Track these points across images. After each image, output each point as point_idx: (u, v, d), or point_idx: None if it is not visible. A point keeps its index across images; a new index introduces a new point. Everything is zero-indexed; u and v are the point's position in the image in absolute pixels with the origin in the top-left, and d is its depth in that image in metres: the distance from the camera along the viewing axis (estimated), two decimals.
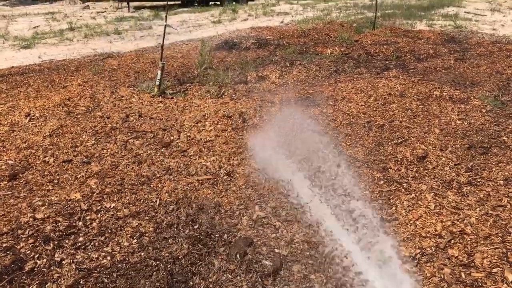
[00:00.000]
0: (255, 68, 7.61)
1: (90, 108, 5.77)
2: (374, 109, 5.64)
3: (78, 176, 4.08)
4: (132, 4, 21.93)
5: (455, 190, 3.93)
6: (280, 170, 4.16)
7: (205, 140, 4.77)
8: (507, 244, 3.22)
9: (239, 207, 3.70)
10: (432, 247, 3.23)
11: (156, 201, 3.69)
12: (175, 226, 3.40)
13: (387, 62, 8.15)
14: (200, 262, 3.04)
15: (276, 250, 3.21)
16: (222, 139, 4.77)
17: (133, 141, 4.76)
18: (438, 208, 3.67)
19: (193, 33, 12.37)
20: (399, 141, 4.78)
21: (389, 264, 3.10)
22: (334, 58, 8.26)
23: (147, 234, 3.27)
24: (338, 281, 2.93)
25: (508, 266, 3.02)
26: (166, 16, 6.99)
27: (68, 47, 10.68)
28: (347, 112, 5.60)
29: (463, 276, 2.97)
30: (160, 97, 6.22)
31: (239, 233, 3.36)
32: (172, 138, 4.84)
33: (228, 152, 4.51)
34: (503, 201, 3.72)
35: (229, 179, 4.10)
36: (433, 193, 3.85)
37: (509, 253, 3.13)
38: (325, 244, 3.26)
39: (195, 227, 3.40)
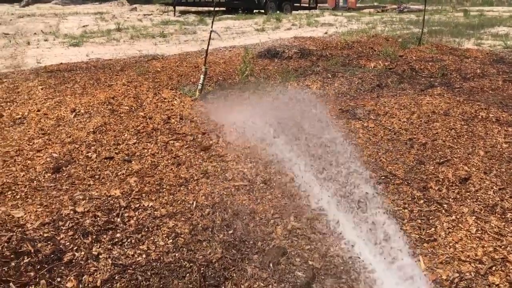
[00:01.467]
0: (296, 78, 7.60)
1: (133, 108, 5.89)
2: (417, 126, 5.52)
3: (119, 173, 4.16)
4: (178, 8, 22.40)
5: (499, 215, 3.79)
6: (312, 182, 4.13)
7: (243, 146, 4.78)
8: None
9: (274, 215, 3.69)
10: (472, 272, 3.12)
11: (193, 203, 3.73)
12: (210, 229, 3.42)
13: (432, 79, 7.98)
14: (233, 268, 3.04)
15: (310, 262, 3.18)
16: (261, 146, 4.78)
17: (173, 143, 4.83)
18: (479, 232, 3.55)
19: (236, 40, 12.51)
20: (441, 161, 4.66)
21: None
22: (377, 72, 8.15)
23: (182, 235, 3.30)
24: None
25: None
26: (212, 22, 7.10)
27: (114, 47, 10.99)
28: (389, 127, 5.51)
29: None
30: (202, 101, 6.29)
31: (273, 242, 3.34)
32: (211, 142, 4.89)
33: (265, 160, 4.52)
34: None
35: (265, 187, 4.10)
36: (475, 217, 3.73)
37: None
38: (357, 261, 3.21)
39: (230, 232, 3.41)
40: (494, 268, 3.16)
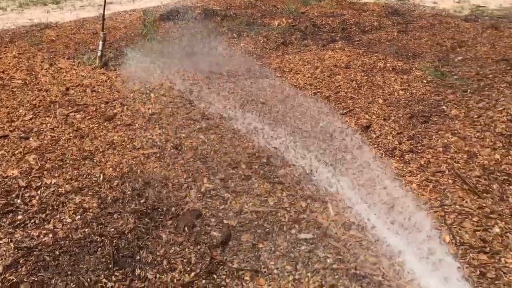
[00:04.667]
0: (201, 39, 7.44)
1: (27, 81, 5.45)
2: (321, 80, 5.69)
3: (16, 152, 3.87)
4: None
5: (398, 158, 4.06)
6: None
7: (150, 113, 4.64)
8: (445, 207, 3.39)
9: (187, 180, 3.65)
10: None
11: (100, 176, 3.58)
12: (120, 201, 3.32)
13: (333, 34, 8.21)
14: (147, 236, 2.99)
15: (225, 221, 3.21)
16: (169, 111, 4.66)
17: (74, 115, 4.57)
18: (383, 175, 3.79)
19: (137, 2, 11.90)
20: (344, 111, 4.87)
21: None
22: (282, 30, 8.22)
23: (91, 210, 3.17)
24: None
25: (446, 228, 3.18)
26: None
27: (1, 17, 9.99)
28: (295, 84, 5.62)
29: None
30: (102, 69, 5.97)
31: (187, 205, 3.33)
32: (115, 111, 4.68)
33: (174, 124, 4.43)
34: (442, 167, 3.90)
35: (176, 152, 4.03)
36: (377, 161, 3.97)
37: (446, 216, 3.29)
38: None
39: (142, 201, 3.34)
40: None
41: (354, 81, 5.65)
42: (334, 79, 5.73)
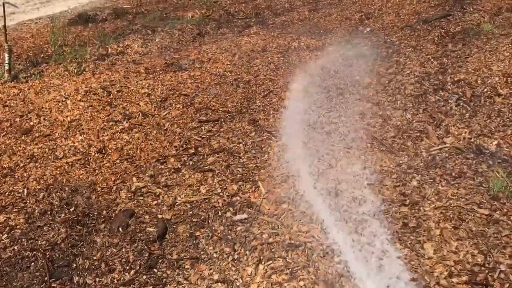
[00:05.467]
0: (115, 39, 7.27)
1: None
2: (240, 66, 5.77)
3: None
4: None
5: (319, 130, 4.25)
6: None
7: (69, 120, 4.51)
8: (366, 169, 3.60)
9: (116, 181, 3.62)
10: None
11: (23, 191, 3.46)
12: (49, 212, 3.23)
13: (247, 20, 8.31)
14: (81, 243, 2.95)
15: (160, 216, 3.23)
16: (88, 116, 4.55)
17: None
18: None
19: (42, 10, 11.34)
20: (265, 93, 4.99)
21: None
22: (196, 21, 8.20)
23: (18, 227, 3.07)
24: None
25: (369, 188, 3.39)
26: None
27: None
28: (215, 72, 5.66)
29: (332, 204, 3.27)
30: (13, 82, 5.68)
31: (119, 206, 3.30)
32: (32, 123, 4.50)
33: (96, 129, 4.34)
34: (359, 133, 4.12)
35: (101, 156, 3.97)
36: (303, 141, 4.13)
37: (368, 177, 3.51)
38: None
39: (71, 209, 3.27)
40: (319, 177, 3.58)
41: (272, 63, 5.79)
42: (253, 63, 5.83)
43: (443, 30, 6.10)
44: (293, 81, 5.25)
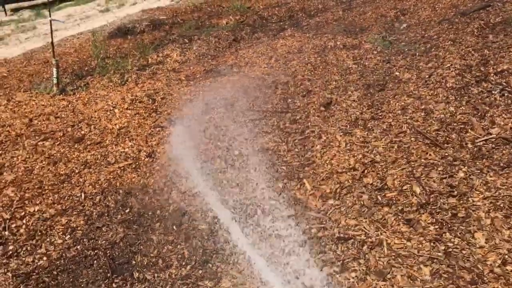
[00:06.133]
0: (154, 50, 7.52)
1: None
2: (277, 68, 5.87)
3: None
4: (8, 6, 20.27)
5: (361, 127, 4.27)
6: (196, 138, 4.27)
7: (118, 127, 4.71)
8: (412, 163, 3.61)
9: (166, 183, 3.76)
10: (349, 180, 3.54)
11: (81, 195, 3.65)
12: (106, 214, 3.40)
13: (281, 23, 8.42)
14: (139, 241, 3.09)
15: (210, 214, 3.34)
16: (136, 123, 4.75)
17: (43, 143, 4.59)
18: (349, 145, 3.98)
19: (82, 25, 11.82)
20: (304, 93, 5.05)
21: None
22: (231, 28, 8.37)
23: (79, 228, 3.25)
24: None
25: (415, 181, 3.40)
26: (49, 11, 6.66)
27: None
28: (253, 76, 5.77)
29: (379, 198, 3.30)
30: (61, 95, 5.98)
31: (171, 206, 3.44)
32: (83, 132, 4.73)
33: (144, 134, 4.52)
34: (403, 128, 4.12)
35: (151, 160, 4.13)
36: (341, 133, 4.17)
37: (414, 170, 3.51)
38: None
39: (126, 211, 3.43)
40: (365, 171, 3.61)
41: (309, 64, 5.85)
42: (290, 64, 5.91)
43: (482, 22, 6.00)
44: (332, 80, 5.29)
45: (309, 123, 4.46)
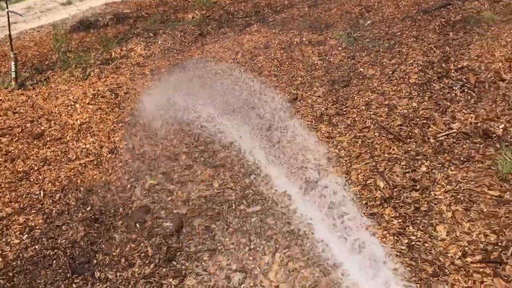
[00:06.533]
0: (118, 44, 7.34)
1: None
2: (243, 64, 5.83)
3: None
4: None
5: (326, 122, 4.29)
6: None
7: (79, 123, 4.58)
8: (375, 158, 3.65)
9: (130, 180, 3.68)
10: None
11: (40, 193, 3.52)
12: (66, 212, 3.30)
13: (247, 18, 8.37)
14: (100, 240, 3.01)
15: (175, 211, 3.28)
16: (98, 118, 4.62)
17: (0, 140, 4.41)
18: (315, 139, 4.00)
19: (43, 18, 11.42)
20: (271, 88, 5.04)
21: None
22: (197, 22, 8.27)
23: (37, 227, 3.14)
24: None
25: (379, 176, 3.43)
26: (6, 2, 6.40)
27: None
28: (218, 71, 5.71)
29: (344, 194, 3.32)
30: (20, 89, 5.76)
31: (134, 204, 3.36)
32: (43, 128, 4.57)
33: (106, 130, 4.40)
34: (367, 123, 4.17)
35: (113, 156, 4.03)
36: (303, 129, 4.18)
37: (378, 165, 3.55)
38: None
39: (88, 208, 3.34)
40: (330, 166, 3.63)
41: (275, 59, 5.84)
42: (256, 60, 5.88)
43: (443, 20, 6.14)
44: (298, 76, 5.30)
45: (274, 118, 4.45)
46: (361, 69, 5.28)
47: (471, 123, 3.91)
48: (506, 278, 2.51)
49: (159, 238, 2.99)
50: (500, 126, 3.83)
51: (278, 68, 5.58)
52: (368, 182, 3.39)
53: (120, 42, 7.44)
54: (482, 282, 2.50)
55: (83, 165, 3.89)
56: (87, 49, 7.15)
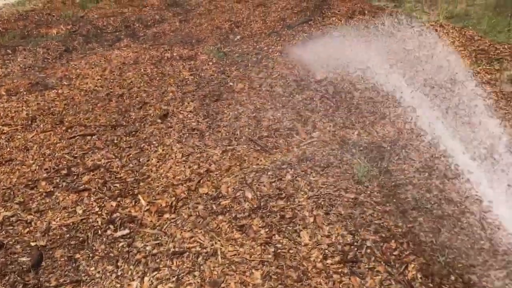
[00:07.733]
0: None
1: None
2: (111, 80, 5.62)
3: None
4: None
5: (197, 137, 4.30)
6: None
7: None
8: (244, 170, 3.74)
9: None
10: (185, 191, 3.52)
11: None
12: None
13: (117, 33, 8.12)
14: None
15: (33, 243, 3.03)
16: None
17: None
18: (185, 156, 3.97)
19: None
20: (140, 105, 4.92)
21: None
22: (62, 38, 7.81)
23: None
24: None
25: (247, 187, 3.51)
26: None
27: None
28: (85, 88, 5.44)
29: (214, 207, 3.34)
30: None
31: None
32: None
33: None
34: (236, 136, 4.26)
35: None
36: (178, 144, 4.14)
37: (246, 176, 3.64)
38: None
39: None
40: (201, 181, 3.63)
41: (145, 75, 5.73)
42: (125, 76, 5.72)
43: (305, 34, 6.56)
44: (169, 91, 5.25)
45: (145, 136, 4.35)
46: (231, 83, 5.40)
47: (329, 131, 4.20)
48: (361, 275, 2.71)
49: (14, 276, 2.73)
50: (355, 133, 4.19)
51: (148, 84, 5.48)
52: (238, 194, 3.45)
53: None
54: (340, 282, 2.67)
55: None
56: None
